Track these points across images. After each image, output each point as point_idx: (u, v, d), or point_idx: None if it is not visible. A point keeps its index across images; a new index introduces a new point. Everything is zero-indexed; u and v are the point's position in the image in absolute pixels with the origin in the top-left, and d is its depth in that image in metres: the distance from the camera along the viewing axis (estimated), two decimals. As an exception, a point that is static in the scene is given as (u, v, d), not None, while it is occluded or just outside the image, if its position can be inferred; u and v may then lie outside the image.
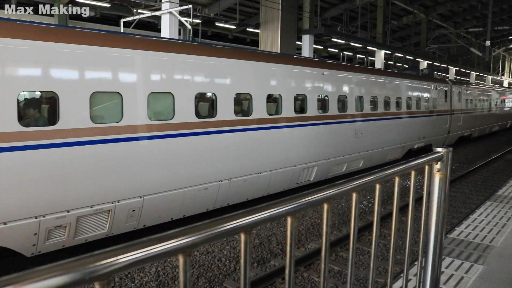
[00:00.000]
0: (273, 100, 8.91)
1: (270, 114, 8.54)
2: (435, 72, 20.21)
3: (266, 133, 8.36)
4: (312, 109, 9.57)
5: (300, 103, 9.56)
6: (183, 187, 6.88)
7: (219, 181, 7.44)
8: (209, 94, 7.61)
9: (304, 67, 9.70)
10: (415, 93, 14.61)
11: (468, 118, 20.00)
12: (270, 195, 8.88)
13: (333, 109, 10.24)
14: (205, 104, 7.69)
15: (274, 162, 8.64)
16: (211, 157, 7.27)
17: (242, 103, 8.48)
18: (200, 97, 7.40)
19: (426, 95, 15.49)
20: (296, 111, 9.18)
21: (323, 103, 10.14)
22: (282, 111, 8.79)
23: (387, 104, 12.60)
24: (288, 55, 11.34)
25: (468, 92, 20.30)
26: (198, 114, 7.10)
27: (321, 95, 10.03)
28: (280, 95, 8.81)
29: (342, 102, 10.71)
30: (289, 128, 9.02)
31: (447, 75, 35.85)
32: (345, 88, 10.83)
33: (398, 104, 13.28)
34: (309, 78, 9.72)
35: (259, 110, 8.24)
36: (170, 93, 6.64)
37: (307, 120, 9.43)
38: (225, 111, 7.51)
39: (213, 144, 7.35)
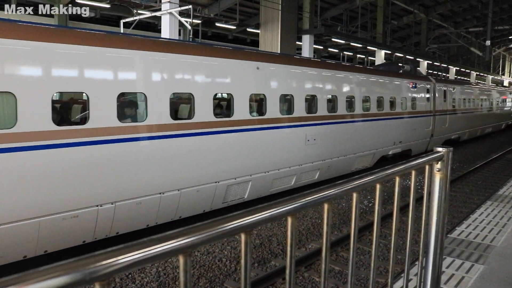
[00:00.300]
0: (183, 100, 7.24)
1: (177, 119, 6.73)
2: (418, 68, 18.93)
3: (169, 143, 6.48)
4: (241, 111, 7.64)
5: (223, 105, 7.79)
6: (38, 216, 5.20)
7: (97, 206, 5.72)
8: (83, 95, 6.02)
9: (229, 59, 7.59)
10: (389, 92, 12.67)
11: (455, 119, 18.11)
12: (182, 218, 7.19)
13: (272, 111, 8.27)
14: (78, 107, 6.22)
15: (186, 178, 6.77)
16: (83, 175, 5.53)
17: (134, 105, 6.53)
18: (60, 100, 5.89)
19: (403, 93, 13.52)
20: (216, 115, 7.35)
21: (259, 104, 8.28)
22: (195, 114, 6.85)
23: (351, 104, 10.74)
24: (204, 45, 8.90)
25: (455, 90, 18.41)
26: (57, 121, 5.57)
27: (255, 94, 8.08)
28: (192, 94, 6.86)
29: (287, 102, 8.87)
30: (208, 136, 7.07)
31: (447, 75, 35.86)
32: (291, 86, 8.85)
33: (366, 105, 11.45)
34: (235, 73, 7.66)
35: (159, 114, 6.31)
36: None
37: (233, 126, 7.48)
38: (102, 116, 5.76)
39: (85, 156, 5.54)
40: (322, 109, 9.62)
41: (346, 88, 10.64)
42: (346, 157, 10.70)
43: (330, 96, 10.08)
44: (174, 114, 6.86)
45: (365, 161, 11.78)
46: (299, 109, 8.96)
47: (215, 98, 7.33)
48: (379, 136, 12.04)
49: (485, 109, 23.50)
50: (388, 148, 12.74)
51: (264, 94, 8.19)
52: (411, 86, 14.09)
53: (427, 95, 15.41)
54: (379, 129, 12.06)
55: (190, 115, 6.92)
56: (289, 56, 10.45)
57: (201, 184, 7.05)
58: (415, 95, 14.32)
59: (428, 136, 15.55)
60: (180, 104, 7.24)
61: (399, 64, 16.19)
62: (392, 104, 12.77)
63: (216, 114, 7.33)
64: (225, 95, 8.07)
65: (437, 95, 16.18)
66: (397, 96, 13.07)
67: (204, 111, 7.00)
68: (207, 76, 7.25)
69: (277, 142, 8.43)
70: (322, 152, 9.68)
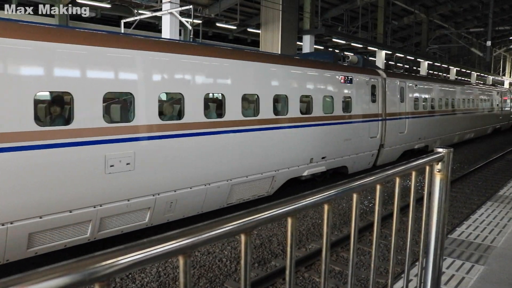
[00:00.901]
0: None
1: None
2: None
3: None
4: None
5: None
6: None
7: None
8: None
9: None
10: (300, 88, 9.11)
11: (419, 125, 14.38)
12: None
13: (15, 120, 5.02)
14: None
15: None
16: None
17: None
18: None
19: (327, 91, 9.95)
20: None
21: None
22: None
23: (221, 106, 7.41)
24: None
25: (418, 87, 14.46)
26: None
27: None
28: None
29: (61, 105, 5.74)
30: None
31: (446, 74, 35.82)
32: (65, 78, 5.51)
33: (252, 106, 8.08)
34: None
35: None
36: None
37: None
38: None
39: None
40: (146, 115, 6.23)
41: (207, 82, 7.21)
42: (210, 187, 7.21)
43: (167, 93, 6.91)
44: None
45: (257, 188, 8.30)
46: (88, 116, 5.60)
47: None
48: (281, 152, 8.52)
49: (465, 110, 19.56)
50: (301, 168, 9.22)
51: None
52: (342, 80, 10.43)
53: (372, 93, 11.64)
54: (281, 141, 8.51)
55: None
56: (54, 26, 6.35)
57: None
58: (349, 92, 10.69)
59: (375, 148, 11.88)
60: None
61: (336, 52, 12.31)
62: (307, 105, 9.38)
63: None
64: None
65: (389, 93, 12.44)
66: (316, 94, 9.54)
67: None
68: None
69: (30, 174, 5.13)
70: (149, 182, 6.31)
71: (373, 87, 11.70)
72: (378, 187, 1.82)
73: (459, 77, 35.81)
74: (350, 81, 10.70)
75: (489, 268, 3.72)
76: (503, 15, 34.08)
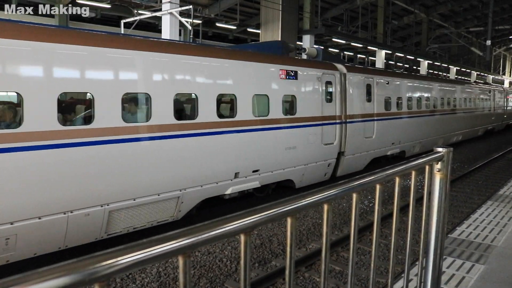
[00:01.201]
0: None
1: None
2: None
3: None
4: None
5: None
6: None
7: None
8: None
9: None
10: (215, 85, 7.29)
11: (392, 127, 12.41)
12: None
13: None
14: None
15: None
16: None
17: None
18: None
19: (261, 89, 8.12)
20: None
21: None
22: None
23: (87, 109, 5.72)
24: None
25: (389, 84, 12.42)
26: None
27: None
28: None
29: None
30: None
31: (444, 72, 35.77)
32: None
33: (144, 108, 6.34)
34: None
35: None
36: None
37: None
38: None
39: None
40: None
41: (64, 78, 5.42)
42: (74, 215, 5.44)
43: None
44: None
45: (155, 213, 6.53)
46: None
47: None
48: (187, 166, 6.78)
49: (450, 110, 17.47)
50: (222, 185, 7.42)
51: None
52: (282, 75, 8.58)
53: (327, 91, 9.83)
54: (188, 153, 6.76)
55: None
56: None
57: None
58: (292, 90, 8.85)
59: (332, 156, 10.06)
60: None
61: (285, 42, 10.64)
62: (229, 106, 7.67)
63: None
64: None
65: (351, 92, 10.62)
66: (242, 92, 7.70)
67: None
68: None
69: None
70: None
71: (328, 83, 9.84)
72: (378, 186, 1.82)
73: (459, 77, 35.74)
74: (294, 77, 8.82)
75: (490, 267, 3.72)
76: (503, 14, 34.10)
